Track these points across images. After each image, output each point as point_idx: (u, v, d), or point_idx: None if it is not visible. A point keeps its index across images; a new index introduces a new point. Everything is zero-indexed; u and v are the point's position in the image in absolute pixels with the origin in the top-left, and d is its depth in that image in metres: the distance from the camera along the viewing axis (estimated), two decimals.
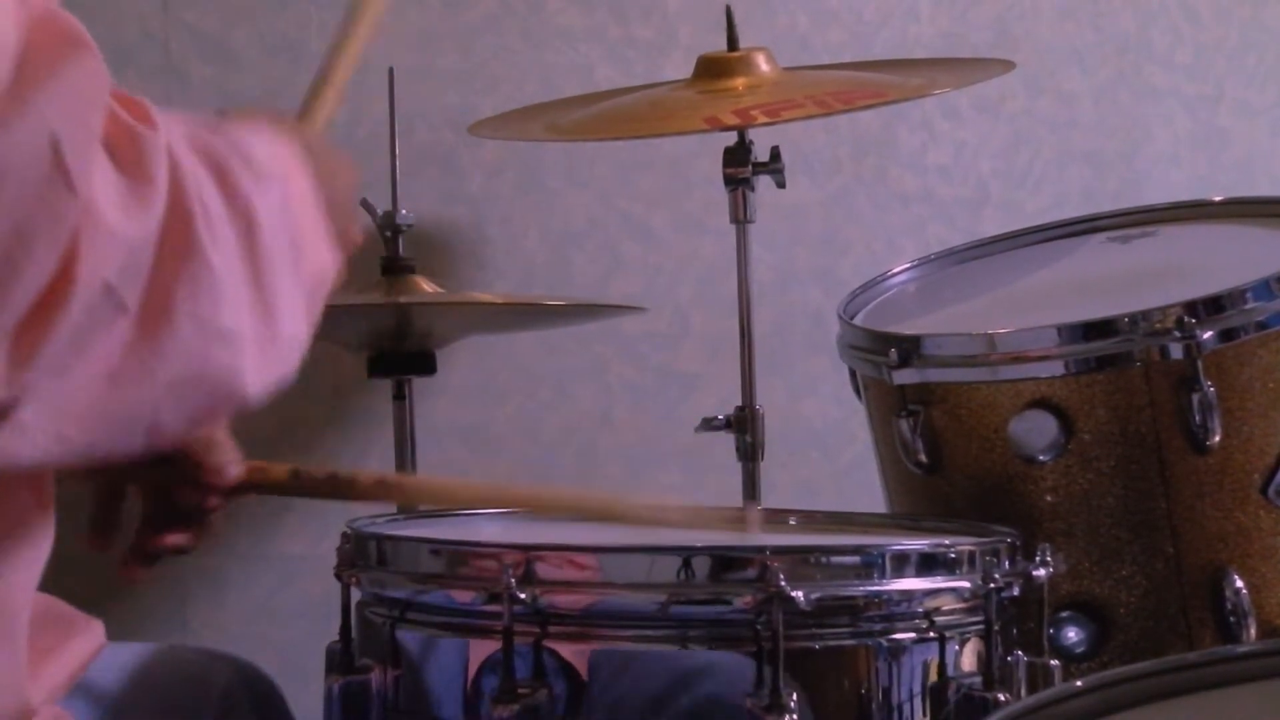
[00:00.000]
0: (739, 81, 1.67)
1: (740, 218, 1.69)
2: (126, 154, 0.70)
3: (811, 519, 1.42)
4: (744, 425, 1.69)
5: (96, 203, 0.67)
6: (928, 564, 1.10)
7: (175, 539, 1.13)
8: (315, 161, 0.89)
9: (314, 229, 0.86)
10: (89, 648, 0.96)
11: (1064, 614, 1.35)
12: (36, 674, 0.86)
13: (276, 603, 1.94)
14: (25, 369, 0.66)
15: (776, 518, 1.46)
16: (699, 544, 1.09)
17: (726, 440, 1.70)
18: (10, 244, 0.64)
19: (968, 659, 1.12)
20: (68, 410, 0.69)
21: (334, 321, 1.60)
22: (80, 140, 0.66)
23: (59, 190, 0.65)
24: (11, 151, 0.63)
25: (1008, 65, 1.79)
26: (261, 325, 0.77)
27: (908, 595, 1.09)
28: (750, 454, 1.69)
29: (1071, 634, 1.36)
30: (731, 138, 1.69)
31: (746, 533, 1.27)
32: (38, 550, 0.83)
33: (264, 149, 0.82)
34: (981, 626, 1.11)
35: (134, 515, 1.15)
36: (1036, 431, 1.35)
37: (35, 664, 0.86)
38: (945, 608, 1.10)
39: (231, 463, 1.12)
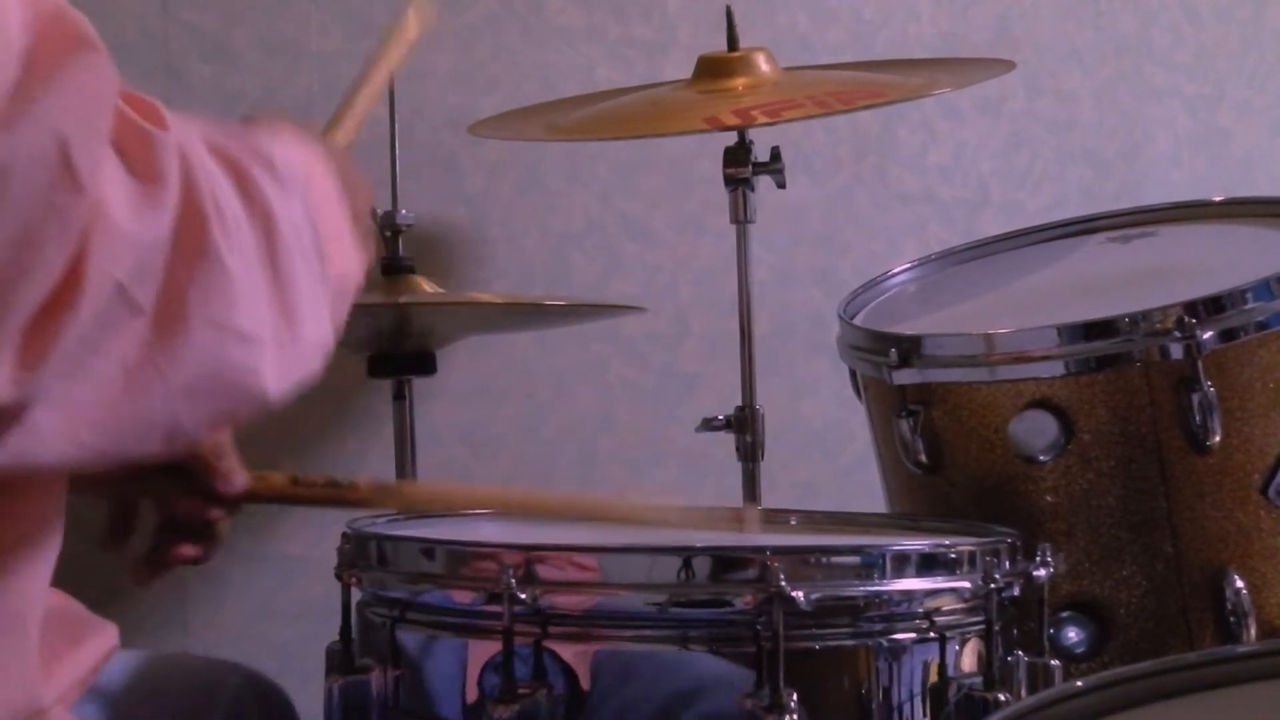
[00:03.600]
0: (739, 81, 1.67)
1: (740, 218, 1.69)
2: (136, 154, 0.69)
3: (812, 519, 1.42)
4: (744, 425, 1.69)
5: (106, 203, 0.67)
6: (928, 564, 1.10)
7: (187, 551, 1.12)
8: (339, 169, 0.89)
9: (338, 233, 0.86)
10: (101, 650, 0.96)
11: (1064, 614, 1.35)
12: (49, 675, 0.86)
13: (276, 603, 1.94)
14: (36, 370, 0.65)
15: (777, 518, 1.46)
16: (699, 544, 1.09)
17: (726, 440, 1.70)
18: (18, 244, 0.63)
19: (968, 659, 1.12)
20: (82, 413, 0.68)
21: None
22: (88, 140, 0.66)
23: (67, 190, 0.64)
24: (18, 151, 0.63)
25: (1008, 65, 1.79)
26: (282, 327, 0.77)
27: (908, 595, 1.09)
28: (750, 454, 1.69)
29: (1072, 634, 1.36)
30: (731, 138, 1.69)
31: (745, 532, 1.27)
32: (49, 553, 0.83)
33: (286, 153, 0.82)
34: (982, 627, 1.11)
35: (146, 522, 1.15)
36: (1036, 431, 1.35)
37: (48, 665, 0.86)
38: (946, 608, 1.10)
39: (237, 471, 1.12)
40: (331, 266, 0.84)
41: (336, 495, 1.15)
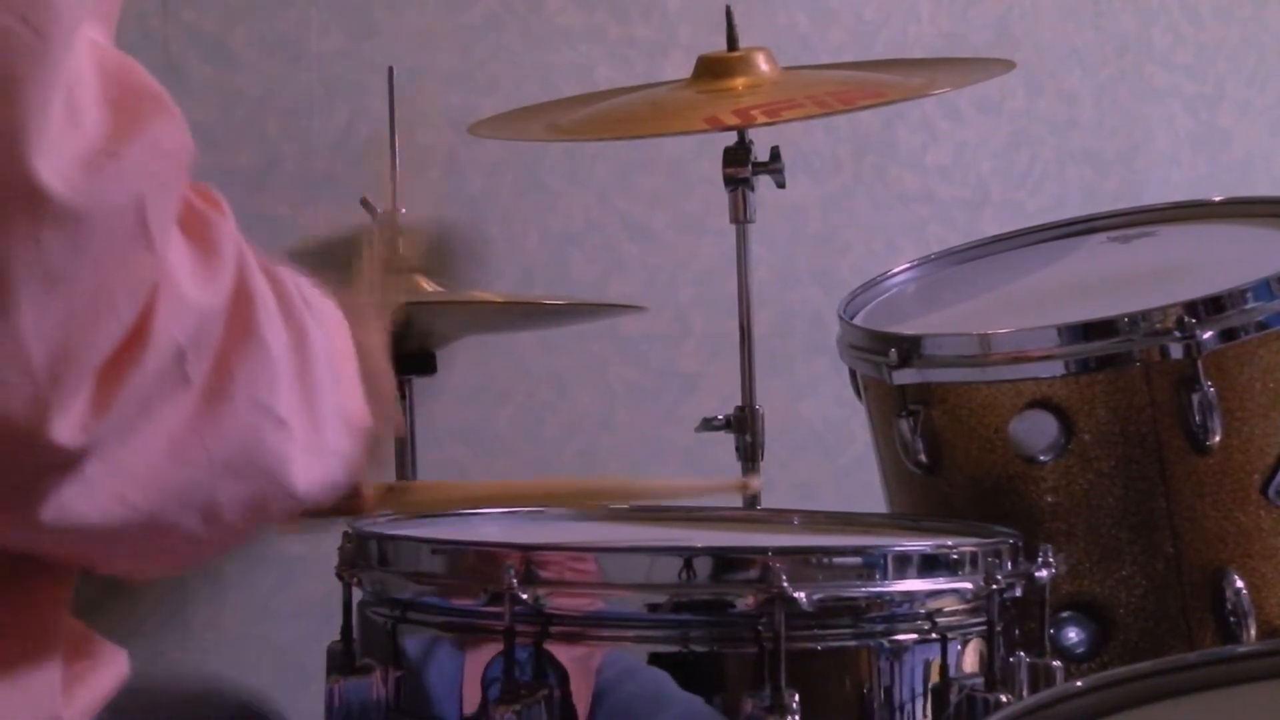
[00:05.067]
0: (739, 81, 1.67)
1: (740, 218, 1.69)
2: (195, 227, 0.70)
3: (813, 519, 1.42)
4: (744, 425, 1.69)
5: (171, 266, 0.67)
6: (930, 565, 1.10)
7: None
8: (358, 328, 0.88)
9: (352, 379, 0.85)
10: (116, 676, 0.96)
11: (1064, 614, 1.35)
12: (71, 697, 0.86)
13: (276, 603, 1.94)
14: (101, 420, 0.65)
15: (778, 518, 1.46)
16: (700, 544, 1.09)
17: (726, 440, 1.70)
18: (94, 294, 0.63)
19: (969, 660, 1.12)
20: (131, 473, 0.68)
21: None
22: (162, 200, 0.66)
23: (141, 246, 0.65)
24: (103, 200, 0.63)
25: (1008, 65, 1.79)
26: (309, 426, 0.77)
27: (909, 596, 1.09)
28: (750, 454, 1.69)
29: (1072, 634, 1.36)
30: (731, 138, 1.69)
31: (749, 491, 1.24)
32: (71, 575, 0.83)
33: (316, 295, 0.82)
34: (983, 627, 1.11)
35: None
36: (1036, 431, 1.35)
37: (69, 686, 0.85)
38: (947, 609, 1.10)
39: None
40: (347, 402, 0.83)
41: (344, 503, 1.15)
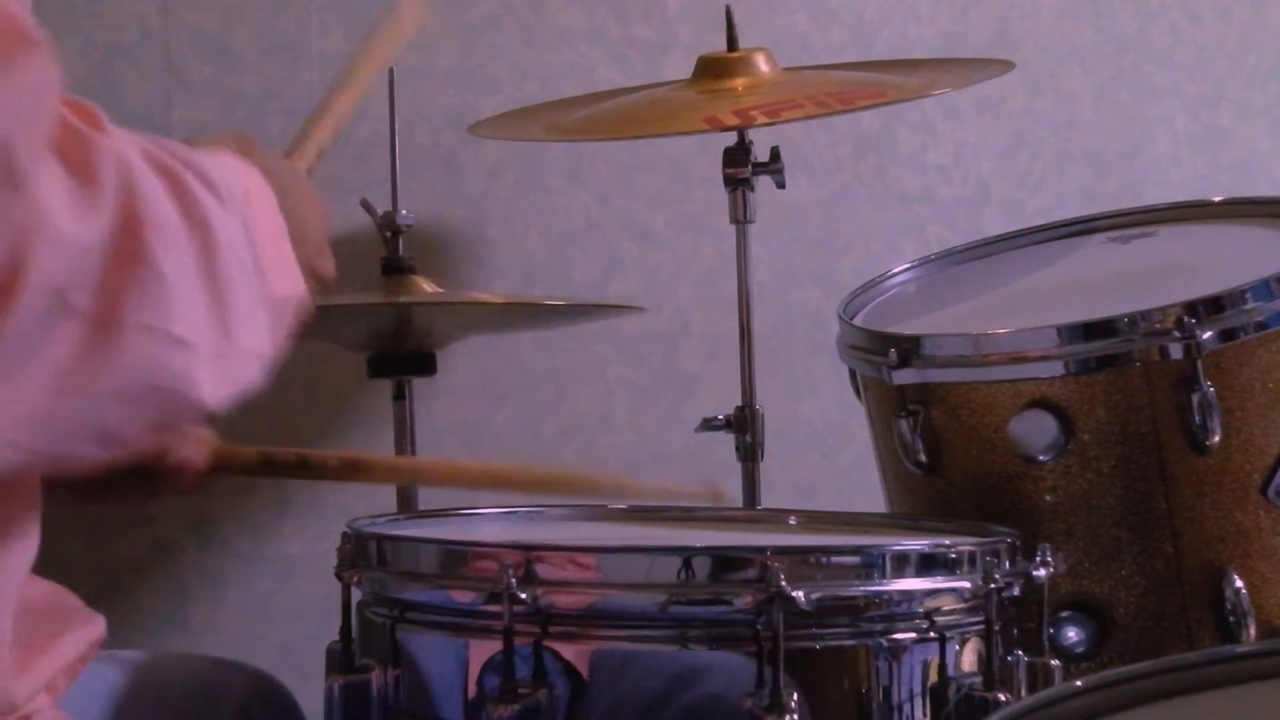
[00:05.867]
0: (739, 81, 1.67)
1: (740, 218, 1.69)
2: (74, 157, 0.68)
3: (812, 519, 1.42)
4: (744, 425, 1.69)
5: (44, 205, 0.66)
6: (928, 564, 1.10)
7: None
8: (282, 193, 0.88)
9: (276, 255, 0.85)
10: (86, 640, 0.95)
11: (1064, 614, 1.35)
12: (28, 668, 0.85)
13: (276, 603, 1.94)
14: None
15: (777, 518, 1.46)
16: (699, 544, 1.09)
17: (726, 440, 1.70)
18: None
19: (968, 659, 1.12)
20: (17, 416, 0.68)
21: (334, 321, 1.62)
22: (29, 141, 0.65)
23: (6, 191, 0.64)
24: None
25: (1008, 65, 1.79)
26: (219, 336, 0.76)
27: (908, 595, 1.09)
28: (750, 454, 1.69)
29: (1071, 634, 1.36)
30: (731, 138, 1.69)
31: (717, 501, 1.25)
32: (23, 553, 0.83)
33: (223, 173, 0.80)
34: (982, 626, 1.11)
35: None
36: (1036, 431, 1.35)
37: (28, 657, 0.85)
38: (945, 608, 1.10)
39: (196, 453, 1.11)
40: (269, 287, 0.83)
41: (307, 469, 1.15)
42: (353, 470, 1.22)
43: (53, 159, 0.67)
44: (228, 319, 0.77)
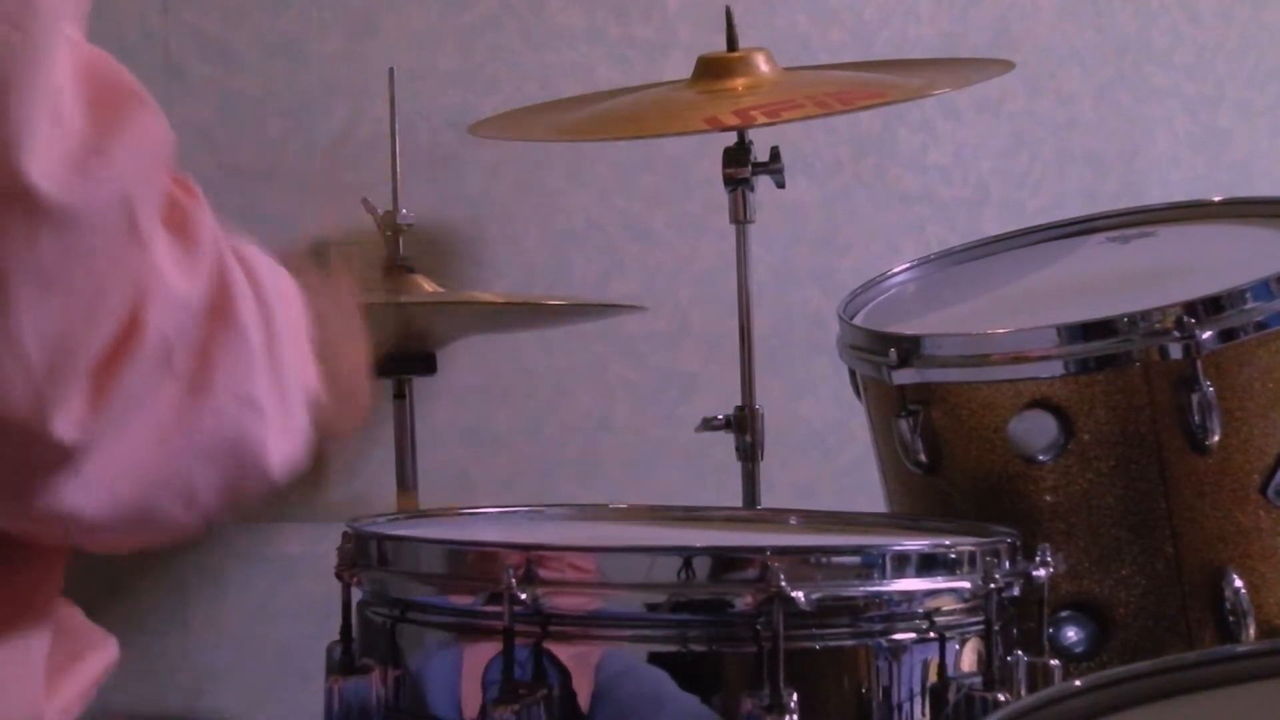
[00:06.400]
0: (739, 82, 1.67)
1: (740, 218, 1.69)
2: (176, 219, 0.70)
3: (812, 519, 1.42)
4: (744, 425, 1.69)
5: (158, 260, 0.68)
6: (928, 564, 1.10)
7: None
8: (320, 305, 0.89)
9: (307, 351, 0.85)
10: (102, 664, 0.96)
11: (1064, 614, 1.35)
12: (54, 689, 0.86)
13: (276, 603, 1.94)
14: (97, 416, 0.66)
15: (777, 517, 1.46)
16: (699, 544, 1.09)
17: (726, 440, 1.70)
18: (88, 292, 0.64)
19: (968, 659, 1.12)
20: (122, 464, 0.69)
21: None
22: (149, 195, 0.67)
23: (131, 243, 0.66)
24: (92, 200, 0.64)
25: (1007, 65, 1.79)
26: (280, 407, 0.78)
27: (908, 595, 1.09)
28: (750, 454, 1.69)
29: (1071, 634, 1.36)
30: (731, 138, 1.69)
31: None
32: (59, 567, 0.83)
33: (269, 261, 0.82)
34: (981, 627, 1.11)
35: None
36: (1036, 431, 1.35)
37: (52, 679, 0.85)
38: (945, 608, 1.10)
39: None
40: (306, 378, 0.83)
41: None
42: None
43: (160, 223, 0.69)
44: (286, 394, 0.78)
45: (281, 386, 0.78)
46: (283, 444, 0.78)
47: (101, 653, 0.96)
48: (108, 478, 0.69)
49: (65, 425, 0.65)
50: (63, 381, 0.64)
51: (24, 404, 0.64)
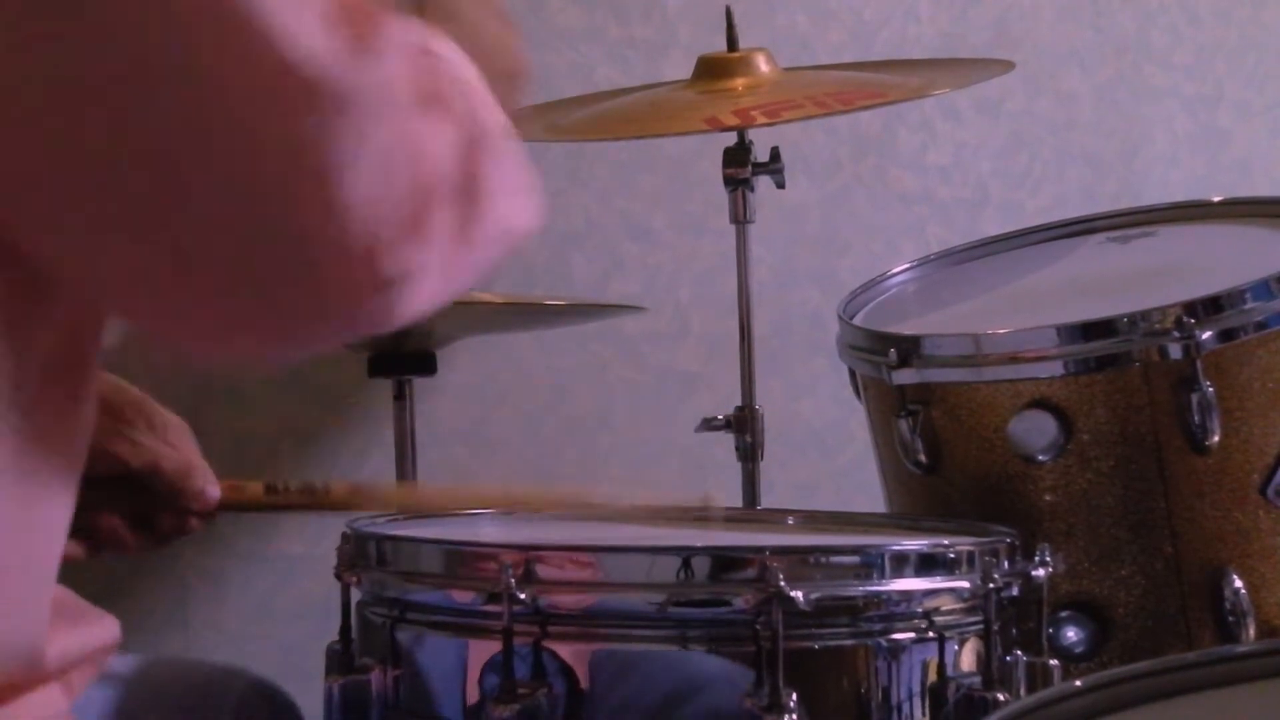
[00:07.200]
0: (739, 82, 1.67)
1: (740, 218, 1.69)
2: (428, 82, 0.78)
3: (811, 519, 1.42)
4: (744, 425, 1.69)
5: (432, 122, 0.76)
6: (927, 564, 1.10)
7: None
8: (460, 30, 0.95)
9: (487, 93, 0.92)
10: (103, 637, 0.96)
11: (1063, 614, 1.35)
12: (53, 633, 0.86)
13: (276, 603, 1.94)
14: (418, 249, 0.75)
15: (776, 518, 1.46)
16: (698, 544, 1.09)
17: (726, 440, 1.70)
18: (399, 162, 0.73)
19: (967, 659, 1.12)
20: (437, 269, 0.78)
21: None
22: (422, 74, 0.76)
23: (411, 116, 0.74)
24: (375, 86, 0.72)
25: (1007, 65, 1.79)
26: (517, 176, 0.86)
27: (907, 595, 1.09)
28: (750, 454, 1.69)
29: (1070, 634, 1.36)
30: (731, 138, 1.69)
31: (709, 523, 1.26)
32: (65, 511, 0.83)
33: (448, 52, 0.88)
34: (981, 626, 1.11)
35: None
36: (1036, 431, 1.35)
37: (53, 623, 0.86)
38: (945, 608, 1.10)
39: (210, 484, 1.13)
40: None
41: (312, 501, 1.16)
42: (356, 498, 1.24)
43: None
44: (515, 159, 0.86)
45: (510, 156, 0.85)
46: (524, 211, 0.87)
47: (100, 627, 0.96)
48: (430, 284, 0.78)
49: (394, 263, 0.74)
50: (385, 233, 0.73)
51: (361, 262, 0.73)
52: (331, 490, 1.16)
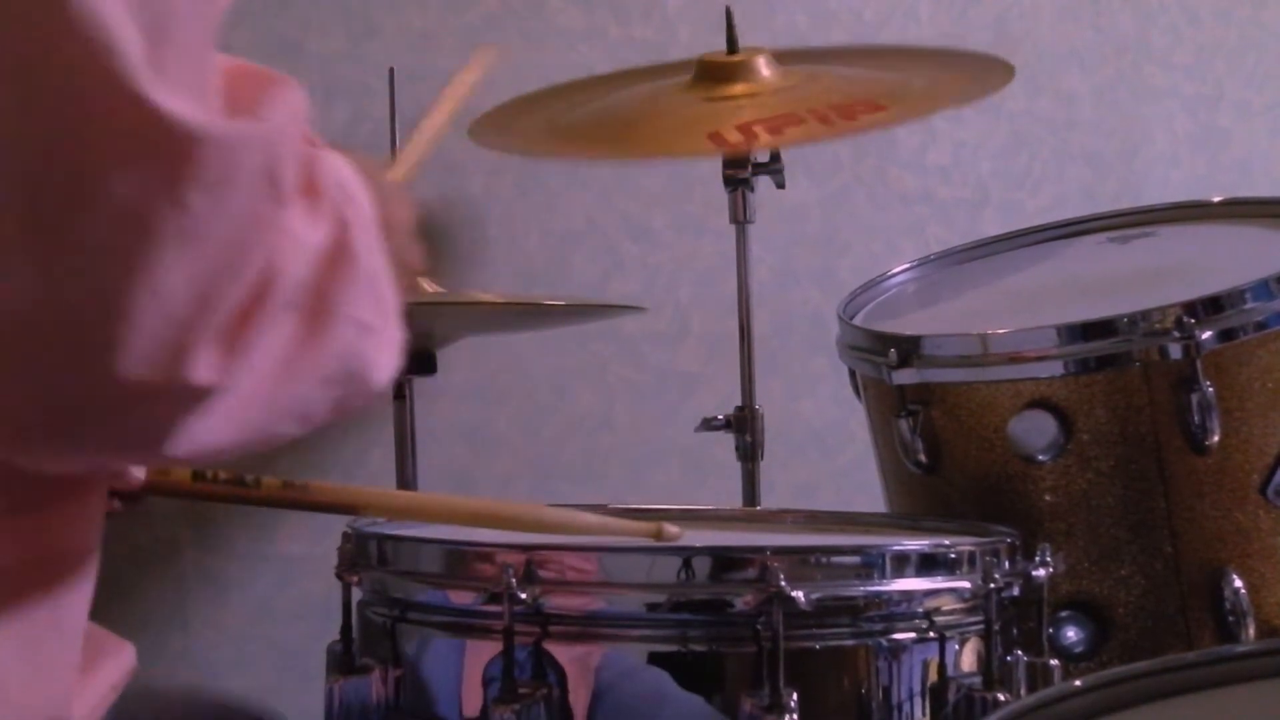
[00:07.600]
0: (739, 87, 1.66)
1: (740, 218, 1.69)
2: (304, 173, 0.74)
3: (811, 519, 1.42)
4: (744, 425, 1.69)
5: (292, 215, 0.72)
6: (928, 564, 1.10)
7: None
8: (380, 199, 0.91)
9: (385, 253, 0.88)
10: (121, 670, 0.96)
11: (1063, 614, 1.35)
12: (80, 691, 0.86)
13: (276, 603, 1.94)
14: (232, 359, 0.69)
15: (777, 517, 1.46)
16: (699, 544, 1.09)
17: (726, 440, 1.71)
18: (233, 247, 0.67)
19: (967, 659, 1.12)
20: (253, 397, 0.73)
21: None
22: (288, 161, 0.71)
23: (273, 206, 0.69)
24: (242, 160, 0.67)
25: (1008, 67, 1.79)
26: (383, 319, 0.82)
27: (908, 595, 1.09)
28: (750, 454, 1.69)
29: (1071, 634, 1.36)
30: None
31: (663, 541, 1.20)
32: (95, 564, 0.84)
33: (348, 169, 0.85)
34: (981, 626, 1.11)
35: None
36: (1036, 431, 1.35)
37: (78, 682, 0.86)
38: (945, 608, 1.11)
39: (137, 472, 1.12)
40: (390, 277, 0.87)
41: (241, 492, 1.14)
42: (289, 493, 1.19)
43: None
44: (385, 305, 0.82)
45: (382, 300, 0.81)
46: (387, 355, 0.82)
47: (119, 658, 0.96)
48: (239, 414, 0.72)
49: (203, 370, 0.67)
50: (201, 330, 0.67)
51: (165, 353, 0.66)
52: (262, 484, 1.14)
